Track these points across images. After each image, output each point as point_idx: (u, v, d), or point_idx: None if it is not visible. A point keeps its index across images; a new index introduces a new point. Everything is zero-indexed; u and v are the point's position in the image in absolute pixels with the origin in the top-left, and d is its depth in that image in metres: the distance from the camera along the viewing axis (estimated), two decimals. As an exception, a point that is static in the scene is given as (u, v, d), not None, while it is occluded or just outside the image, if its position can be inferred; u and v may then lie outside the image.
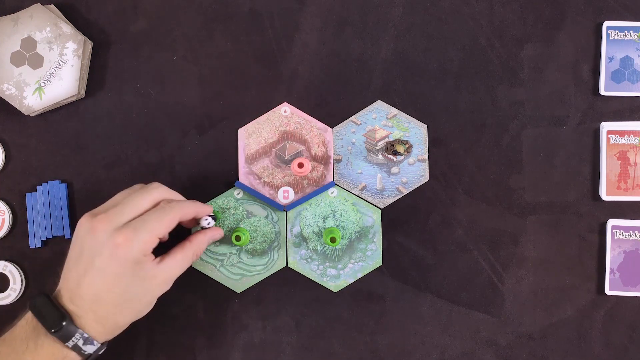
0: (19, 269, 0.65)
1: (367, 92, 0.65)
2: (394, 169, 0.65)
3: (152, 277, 0.54)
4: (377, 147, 0.65)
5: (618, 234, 0.64)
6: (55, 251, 0.65)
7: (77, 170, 0.65)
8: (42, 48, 0.63)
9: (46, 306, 0.52)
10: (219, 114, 0.65)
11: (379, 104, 0.65)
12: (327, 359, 0.65)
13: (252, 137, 0.65)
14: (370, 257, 0.65)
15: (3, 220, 0.65)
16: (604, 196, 0.64)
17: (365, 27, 0.65)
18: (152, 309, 0.56)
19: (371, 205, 0.65)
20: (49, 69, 0.63)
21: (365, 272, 0.65)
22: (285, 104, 0.65)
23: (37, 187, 0.65)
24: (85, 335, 0.52)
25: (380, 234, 0.65)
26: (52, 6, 0.64)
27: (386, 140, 0.65)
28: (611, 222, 0.64)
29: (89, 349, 0.53)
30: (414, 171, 0.65)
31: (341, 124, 0.65)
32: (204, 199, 0.64)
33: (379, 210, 0.65)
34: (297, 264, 0.65)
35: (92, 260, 0.52)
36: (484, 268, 0.65)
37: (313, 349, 0.65)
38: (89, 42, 0.65)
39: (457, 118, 0.65)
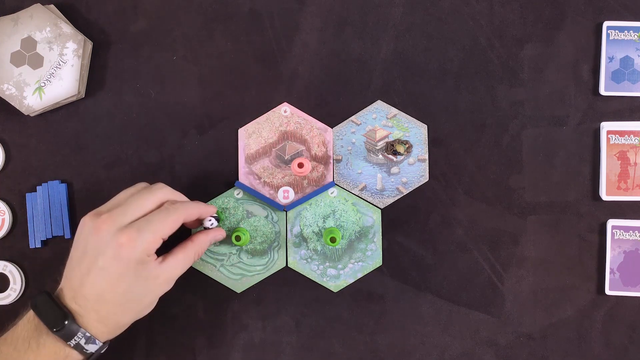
0: (19, 269, 0.65)
1: (367, 92, 0.65)
2: (394, 169, 0.65)
3: (155, 277, 0.54)
4: (377, 147, 0.65)
5: (618, 234, 0.64)
6: (55, 251, 0.65)
7: (77, 170, 0.65)
8: (42, 48, 0.63)
9: (48, 305, 0.53)
10: (219, 114, 0.65)
11: (379, 104, 0.65)
12: (327, 359, 0.65)
13: (252, 137, 0.65)
14: (370, 257, 0.65)
15: (3, 220, 0.65)
16: (604, 196, 0.64)
17: (365, 27, 0.65)
18: (153, 309, 0.56)
19: (371, 205, 0.65)
20: (49, 69, 0.63)
21: (365, 272, 0.65)
22: (285, 104, 0.65)
23: (37, 187, 0.65)
24: (88, 334, 0.52)
25: (380, 234, 0.65)
26: (52, 6, 0.64)
27: (386, 140, 0.65)
28: (611, 222, 0.64)
29: (91, 348, 0.53)
30: (414, 171, 0.65)
31: (341, 124, 0.65)
32: (204, 199, 0.64)
33: (379, 210, 0.65)
34: (297, 264, 0.65)
35: (95, 260, 0.53)
36: (484, 268, 0.65)
37: (313, 349, 0.65)
38: (89, 42, 0.65)
39: (457, 118, 0.65)
